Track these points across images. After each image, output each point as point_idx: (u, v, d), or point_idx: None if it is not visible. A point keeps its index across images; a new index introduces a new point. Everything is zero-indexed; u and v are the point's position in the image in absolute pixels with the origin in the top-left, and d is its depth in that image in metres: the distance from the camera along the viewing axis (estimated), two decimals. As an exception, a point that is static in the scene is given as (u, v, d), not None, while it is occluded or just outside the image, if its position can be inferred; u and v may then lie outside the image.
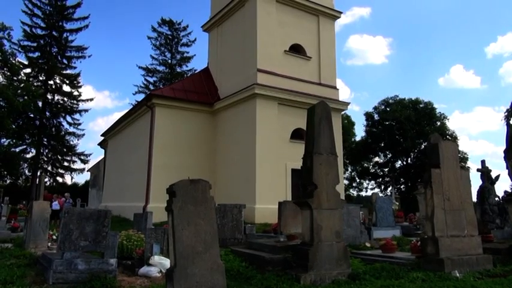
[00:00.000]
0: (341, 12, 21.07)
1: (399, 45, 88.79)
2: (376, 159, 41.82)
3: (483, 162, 12.08)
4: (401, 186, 39.38)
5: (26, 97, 30.59)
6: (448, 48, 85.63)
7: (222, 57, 21.04)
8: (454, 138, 36.19)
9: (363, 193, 46.09)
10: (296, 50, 19.29)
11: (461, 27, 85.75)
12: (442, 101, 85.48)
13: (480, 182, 11.79)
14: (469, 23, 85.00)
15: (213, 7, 22.46)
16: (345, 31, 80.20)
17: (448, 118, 37.66)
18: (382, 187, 41.57)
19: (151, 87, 42.15)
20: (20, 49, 35.62)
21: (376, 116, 39.68)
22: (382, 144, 39.18)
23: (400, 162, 40.08)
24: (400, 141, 37.26)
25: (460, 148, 36.55)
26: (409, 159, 38.87)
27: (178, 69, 43.89)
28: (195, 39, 44.45)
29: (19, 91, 30.20)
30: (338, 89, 20.30)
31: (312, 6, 19.75)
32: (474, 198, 8.88)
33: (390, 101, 39.00)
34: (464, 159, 35.90)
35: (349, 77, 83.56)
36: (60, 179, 39.62)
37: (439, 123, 36.83)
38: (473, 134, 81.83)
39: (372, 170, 42.25)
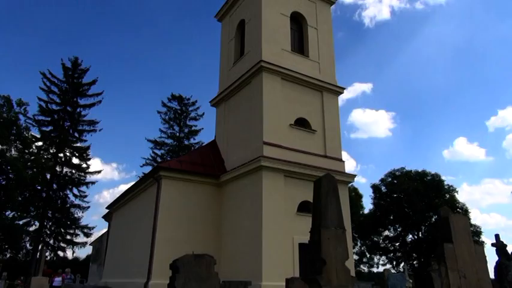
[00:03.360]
0: (344, 88, 21.89)
1: (402, 119, 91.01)
2: (386, 233, 40.65)
3: (497, 236, 11.67)
4: (414, 262, 37.73)
5: (35, 169, 31.05)
6: (449, 121, 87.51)
7: (229, 131, 21.54)
8: (465, 211, 35.39)
9: (374, 269, 44.17)
10: (301, 123, 19.75)
11: (461, 101, 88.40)
12: (449, 173, 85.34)
13: (496, 258, 11.28)
14: (468, 98, 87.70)
15: (220, 84, 23.52)
16: (347, 105, 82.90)
17: (457, 190, 37.18)
18: (394, 263, 39.85)
19: (158, 159, 42.67)
20: (34, 123, 36.98)
21: (383, 188, 39.34)
22: (391, 217, 38.31)
23: (411, 236, 38.85)
24: (409, 214, 36.47)
25: (472, 221, 35.56)
26: (420, 233, 37.72)
27: (186, 142, 44.76)
28: (203, 114, 45.95)
29: (29, 163, 30.76)
30: (344, 161, 20.39)
31: (316, 82, 20.60)
32: (491, 275, 8.43)
33: (397, 173, 38.93)
34: (477, 233, 34.79)
35: (354, 150, 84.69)
36: (61, 253, 38.67)
37: (448, 196, 36.29)
38: (484, 207, 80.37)
39: (382, 245, 40.84)
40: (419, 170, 38.04)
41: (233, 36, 23.37)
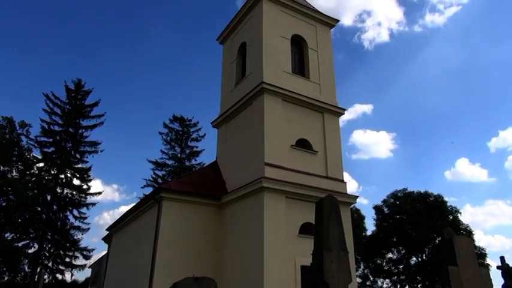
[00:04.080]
0: (344, 109, 21.98)
1: (403, 140, 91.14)
2: (390, 255, 40.05)
3: (502, 258, 11.49)
4: (419, 285, 37.02)
5: (35, 191, 30.94)
6: (450, 142, 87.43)
7: (230, 152, 21.53)
8: (469, 233, 34.95)
9: (378, 293, 43.24)
10: (302, 144, 19.75)
11: (461, 122, 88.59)
12: (451, 194, 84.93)
13: (502, 280, 11.08)
14: (469, 119, 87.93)
15: (222, 105, 23.66)
16: (348, 126, 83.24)
17: (460, 211, 36.76)
18: (398, 286, 39.11)
19: (159, 180, 42.52)
20: (36, 144, 37.05)
21: (386, 210, 39.00)
22: (395, 239, 37.83)
23: (414, 258, 38.26)
24: (412, 236, 36.02)
25: (476, 243, 35.06)
26: (424, 255, 37.15)
27: (187, 163, 44.67)
28: (205, 135, 46.00)
29: (30, 185, 30.68)
30: (345, 182, 20.29)
31: (317, 104, 20.71)
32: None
33: (399, 194, 38.65)
34: (482, 255, 34.23)
35: (355, 171, 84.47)
36: (59, 276, 38.04)
37: (451, 217, 35.92)
38: (488, 229, 79.44)
39: (386, 267, 40.16)
40: (422, 191, 37.80)
41: (234, 58, 23.67)
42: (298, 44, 22.52)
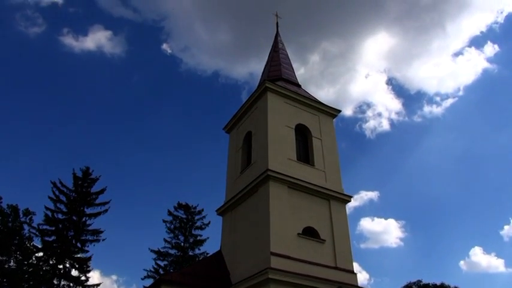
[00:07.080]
0: (351, 196, 21.81)
1: (412, 228, 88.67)
2: None
3: None
4: None
5: (31, 282, 29.59)
6: (462, 230, 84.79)
7: (235, 241, 20.94)
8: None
9: None
10: (309, 232, 19.25)
11: (471, 210, 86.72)
12: (469, 286, 79.78)
13: None
14: (478, 207, 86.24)
15: (227, 193, 23.62)
16: (355, 214, 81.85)
17: (481, 307, 34.32)
18: None
19: (161, 271, 40.79)
20: (37, 233, 36.23)
21: (401, 305, 36.53)
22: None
23: None
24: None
25: None
26: None
27: (191, 253, 43.17)
28: (209, 223, 45.01)
29: (26, 276, 29.44)
30: (356, 274, 19.32)
31: (322, 191, 20.62)
32: None
33: (413, 286, 36.57)
34: None
35: (365, 261, 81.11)
36: None
37: (472, 313, 33.45)
38: (514, 326, 73.02)
39: None
40: (438, 283, 35.81)
41: (240, 146, 24.24)
42: (302, 132, 23.19)
